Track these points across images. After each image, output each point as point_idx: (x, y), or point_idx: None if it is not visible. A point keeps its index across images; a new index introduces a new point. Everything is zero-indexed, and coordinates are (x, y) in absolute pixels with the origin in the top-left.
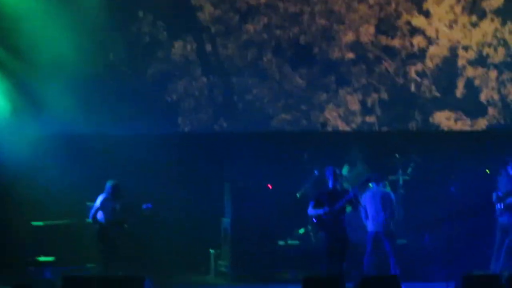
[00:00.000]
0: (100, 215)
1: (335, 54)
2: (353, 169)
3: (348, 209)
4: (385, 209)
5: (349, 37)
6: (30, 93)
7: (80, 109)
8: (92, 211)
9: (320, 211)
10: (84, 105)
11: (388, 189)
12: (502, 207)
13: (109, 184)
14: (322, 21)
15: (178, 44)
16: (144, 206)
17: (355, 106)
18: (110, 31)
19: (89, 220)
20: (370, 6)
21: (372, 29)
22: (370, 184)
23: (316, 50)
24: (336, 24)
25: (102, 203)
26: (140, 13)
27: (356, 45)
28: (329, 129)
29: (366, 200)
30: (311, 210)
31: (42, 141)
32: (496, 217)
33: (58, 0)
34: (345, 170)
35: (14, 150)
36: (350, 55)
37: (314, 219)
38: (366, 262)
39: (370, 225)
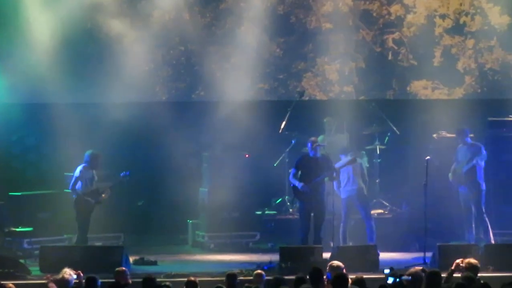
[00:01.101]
0: (79, 185)
1: (313, 23)
2: (327, 137)
3: (327, 179)
4: (355, 174)
5: (327, 7)
6: (8, 61)
7: (57, 77)
8: (72, 181)
9: (298, 184)
10: (60, 72)
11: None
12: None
13: (87, 153)
14: None
15: (156, 13)
16: (122, 174)
17: (332, 75)
18: None
19: (69, 189)
20: None
21: (350, 1)
22: (365, 157)
23: (293, 19)
24: None
25: (81, 172)
26: None
27: (333, 15)
28: (307, 98)
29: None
30: (292, 178)
31: (19, 110)
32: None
33: None
34: (321, 138)
35: None
36: (328, 25)
37: (291, 185)
38: (342, 228)
39: (343, 192)
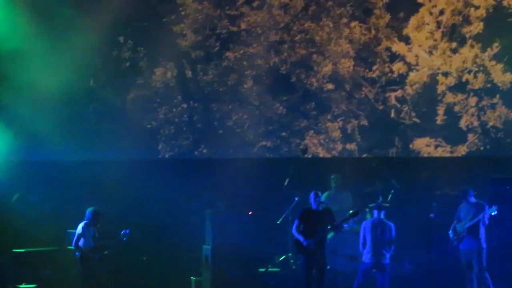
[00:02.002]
0: (81, 242)
1: (314, 84)
2: (333, 194)
3: (330, 235)
4: (383, 242)
5: (328, 68)
6: (10, 119)
7: (60, 135)
8: (75, 238)
9: (302, 239)
10: (64, 130)
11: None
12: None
13: (89, 210)
14: (302, 51)
15: (158, 70)
16: (122, 232)
17: (335, 133)
18: (90, 56)
19: (72, 247)
20: (350, 33)
21: (351, 61)
22: (369, 215)
23: (294, 79)
24: (316, 55)
25: (83, 229)
26: (121, 39)
27: (335, 75)
28: (310, 156)
29: (366, 229)
30: (294, 230)
31: (22, 168)
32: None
33: (37, 24)
34: (325, 195)
35: None
36: (329, 86)
37: (294, 238)
38: None
39: (366, 256)
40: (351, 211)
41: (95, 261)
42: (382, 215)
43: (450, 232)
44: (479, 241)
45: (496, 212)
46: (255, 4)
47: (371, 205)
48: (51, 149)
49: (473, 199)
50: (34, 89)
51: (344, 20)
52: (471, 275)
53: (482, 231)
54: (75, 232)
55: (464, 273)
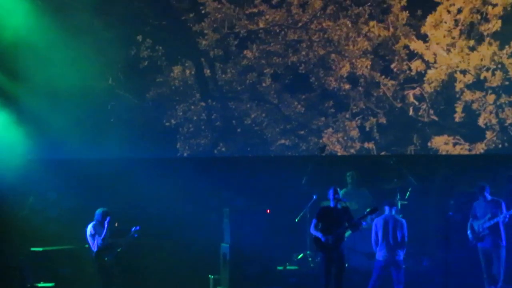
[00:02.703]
0: (96, 241)
1: (333, 83)
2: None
3: (348, 233)
4: (396, 237)
5: (346, 68)
6: (29, 117)
7: (79, 133)
8: (90, 242)
9: (320, 235)
10: (83, 129)
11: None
12: (483, 230)
13: (98, 212)
14: (320, 50)
15: (177, 69)
16: (132, 229)
17: (353, 132)
18: (109, 55)
19: (94, 250)
20: (368, 33)
21: (369, 60)
22: (384, 208)
23: (313, 78)
24: (334, 54)
25: (94, 229)
26: (139, 37)
27: (353, 75)
28: (327, 153)
29: (378, 226)
30: (312, 229)
31: (41, 166)
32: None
33: (57, 25)
34: (342, 192)
35: (13, 175)
36: (347, 86)
37: (312, 236)
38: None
39: (379, 253)
40: (369, 209)
41: (110, 259)
42: (393, 212)
43: (468, 232)
44: (499, 239)
45: None
46: (274, 1)
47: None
48: (70, 147)
49: (489, 196)
50: (52, 88)
51: (362, 19)
52: (490, 272)
53: (502, 229)
54: (86, 235)
55: (483, 270)
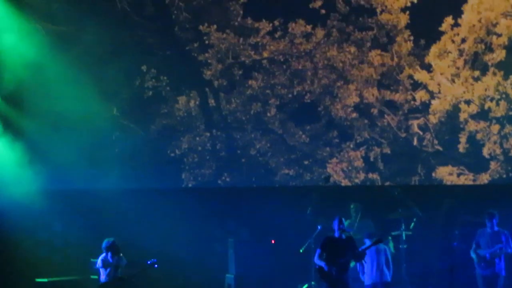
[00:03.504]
0: (102, 274)
1: (339, 113)
2: (354, 222)
3: (352, 264)
4: (380, 261)
5: (352, 97)
6: (34, 147)
7: (84, 164)
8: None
9: (324, 265)
10: (88, 159)
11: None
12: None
13: (105, 242)
14: (325, 79)
15: (181, 99)
16: (149, 261)
17: (357, 162)
18: (113, 85)
19: (96, 276)
20: (373, 61)
21: (375, 88)
22: (391, 243)
23: (320, 107)
24: (339, 82)
25: (102, 262)
26: (144, 67)
27: (359, 104)
28: (332, 183)
29: None
30: (317, 259)
31: (46, 196)
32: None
33: (61, 54)
34: (346, 224)
35: (18, 205)
36: (353, 115)
37: (316, 266)
38: None
39: (367, 279)
40: (374, 239)
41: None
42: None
43: (473, 255)
44: (501, 269)
45: None
46: (277, 35)
47: (393, 233)
48: (75, 178)
49: (496, 227)
50: (57, 118)
51: (367, 45)
52: None
53: (502, 259)
54: (96, 262)
55: None
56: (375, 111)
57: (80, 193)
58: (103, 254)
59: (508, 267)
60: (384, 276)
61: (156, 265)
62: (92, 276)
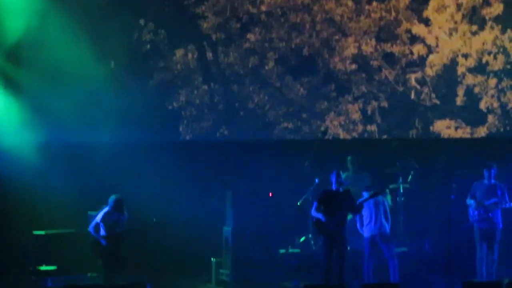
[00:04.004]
0: (98, 229)
1: (337, 65)
2: (351, 175)
3: (350, 216)
4: (378, 213)
5: (351, 49)
6: (31, 101)
7: (82, 118)
8: (92, 224)
9: (321, 216)
10: (85, 113)
11: (388, 198)
12: (484, 212)
13: (112, 199)
14: (323, 33)
15: (179, 52)
16: (149, 221)
17: (355, 115)
18: (111, 39)
19: (89, 230)
20: (371, 15)
21: (373, 40)
22: (389, 196)
23: (318, 61)
24: (338, 35)
25: (103, 217)
26: (142, 21)
27: (357, 57)
28: (330, 137)
29: None
30: (314, 212)
31: (43, 149)
32: (473, 224)
33: (58, 8)
34: (344, 176)
35: (15, 158)
36: (352, 66)
37: (314, 219)
38: (366, 267)
39: (366, 231)
40: (371, 192)
41: (113, 247)
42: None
43: (470, 211)
44: (498, 222)
45: None
46: None
47: (391, 186)
48: (72, 132)
49: (493, 179)
50: (54, 72)
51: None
52: (482, 254)
53: (499, 212)
54: (95, 217)
55: (478, 251)
56: (373, 63)
57: (77, 146)
58: (106, 209)
59: (504, 219)
60: (383, 228)
61: (154, 219)
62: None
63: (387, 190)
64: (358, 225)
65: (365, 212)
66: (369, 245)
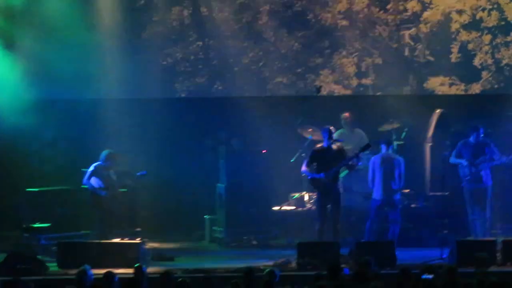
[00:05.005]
0: (93, 180)
1: (328, 20)
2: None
3: (344, 173)
4: (393, 177)
5: (342, 4)
6: (24, 57)
7: (74, 73)
8: (86, 176)
9: (310, 174)
10: (77, 68)
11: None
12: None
13: (104, 153)
14: None
15: (174, 8)
16: (138, 173)
17: (350, 68)
18: None
19: (84, 183)
20: None
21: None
22: (381, 147)
23: (310, 15)
24: None
25: (95, 168)
26: None
27: (349, 12)
28: (324, 93)
29: (375, 164)
30: (304, 169)
31: (36, 106)
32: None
33: None
34: (338, 133)
35: (7, 115)
36: (343, 23)
37: (308, 176)
38: (368, 230)
39: (376, 193)
40: (362, 145)
41: (107, 201)
42: (390, 150)
43: (461, 170)
44: (488, 180)
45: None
46: None
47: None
48: (66, 88)
49: (480, 138)
50: (47, 26)
51: None
52: (474, 215)
53: (488, 170)
54: (87, 170)
55: (469, 211)
56: (366, 21)
57: (70, 102)
58: (99, 163)
59: (494, 175)
60: (390, 193)
61: (145, 173)
62: (83, 186)
63: (382, 145)
64: (369, 179)
65: (378, 171)
66: (375, 208)
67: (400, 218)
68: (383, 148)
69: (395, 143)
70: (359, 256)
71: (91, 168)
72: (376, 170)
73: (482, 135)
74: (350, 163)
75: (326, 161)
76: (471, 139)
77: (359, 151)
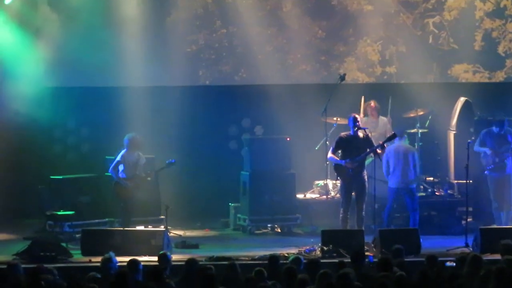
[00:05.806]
0: (119, 169)
1: (354, 6)
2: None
3: (368, 160)
4: (407, 165)
5: None
6: (49, 45)
7: (100, 61)
8: (112, 164)
9: (337, 160)
10: (102, 56)
11: (407, 142)
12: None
13: (126, 137)
14: None
15: None
16: (168, 161)
17: (374, 56)
18: None
19: (110, 172)
20: None
21: None
22: (407, 140)
23: (335, 1)
24: None
25: (122, 157)
26: None
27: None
28: (348, 80)
29: (389, 154)
30: (330, 155)
31: (59, 94)
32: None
33: None
34: (363, 121)
35: (32, 102)
36: (369, 7)
37: (333, 163)
38: (386, 218)
39: (391, 181)
40: (389, 135)
41: (129, 188)
42: (403, 141)
43: (484, 159)
44: (509, 168)
45: None
46: None
47: (408, 131)
48: (91, 76)
49: (504, 129)
50: (71, 14)
51: None
52: (498, 203)
53: (510, 159)
54: (113, 159)
55: (493, 199)
56: (390, 8)
57: (94, 90)
58: (124, 150)
59: None
60: (408, 181)
61: (173, 161)
62: (106, 173)
63: (405, 135)
64: (384, 170)
65: (393, 160)
66: (393, 196)
67: (418, 205)
68: (396, 140)
69: (420, 131)
70: (390, 245)
71: (118, 157)
72: (391, 160)
73: (506, 127)
74: (377, 150)
75: (352, 148)
76: (495, 129)
77: (385, 141)
